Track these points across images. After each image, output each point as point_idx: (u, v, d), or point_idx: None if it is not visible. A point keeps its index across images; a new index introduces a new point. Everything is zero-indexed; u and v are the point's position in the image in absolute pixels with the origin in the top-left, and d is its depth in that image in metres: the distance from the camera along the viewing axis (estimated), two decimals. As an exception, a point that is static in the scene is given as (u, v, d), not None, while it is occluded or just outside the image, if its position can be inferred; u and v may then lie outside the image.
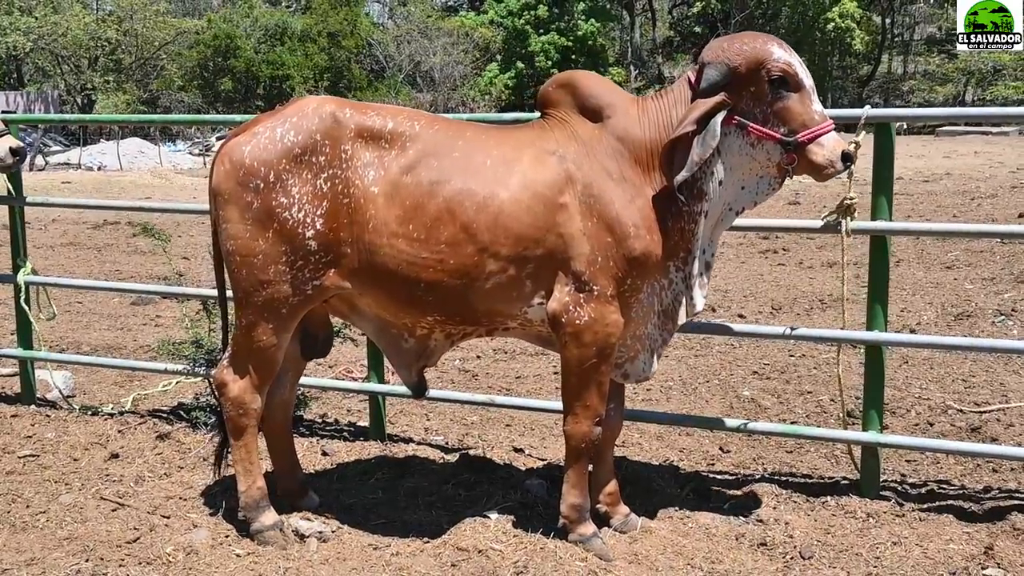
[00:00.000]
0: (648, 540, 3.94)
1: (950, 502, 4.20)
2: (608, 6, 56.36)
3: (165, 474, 4.73)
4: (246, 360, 3.84)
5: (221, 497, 4.34)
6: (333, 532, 4.04)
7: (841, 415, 4.45)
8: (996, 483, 4.45)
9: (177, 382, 6.24)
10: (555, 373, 6.60)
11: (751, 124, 3.56)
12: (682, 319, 3.85)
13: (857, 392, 5.83)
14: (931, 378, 6.08)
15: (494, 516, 4.11)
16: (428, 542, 3.93)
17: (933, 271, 9.65)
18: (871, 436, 4.19)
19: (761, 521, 4.08)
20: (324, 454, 4.92)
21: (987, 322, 7.41)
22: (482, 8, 55.52)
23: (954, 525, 3.98)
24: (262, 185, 3.62)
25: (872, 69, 54.10)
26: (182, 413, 5.47)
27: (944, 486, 4.40)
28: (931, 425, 5.26)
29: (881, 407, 4.27)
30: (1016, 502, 4.16)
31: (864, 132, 3.92)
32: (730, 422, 4.54)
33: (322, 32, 49.77)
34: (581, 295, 3.61)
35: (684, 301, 3.80)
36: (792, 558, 3.79)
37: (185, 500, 4.41)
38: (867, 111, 3.94)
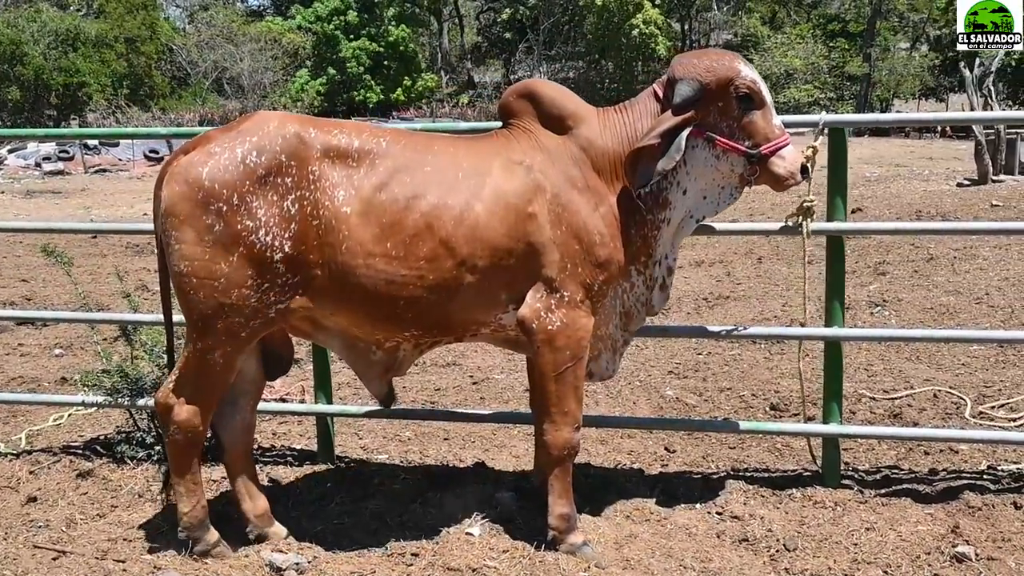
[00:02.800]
0: (635, 544, 3.97)
1: (904, 486, 4.42)
2: (418, 12, 56.27)
3: (98, 515, 4.41)
4: (195, 383, 3.70)
5: (172, 533, 4.07)
6: (309, 563, 3.86)
7: (802, 410, 4.60)
8: (934, 465, 4.71)
9: (69, 415, 5.86)
10: (474, 384, 6.55)
11: (719, 138, 3.72)
12: (642, 320, 4.00)
13: (773, 385, 6.10)
14: (836, 368, 6.37)
15: (477, 532, 4.05)
16: (413, 564, 3.83)
17: (795, 266, 10.08)
18: (835, 428, 4.36)
19: (736, 517, 4.18)
20: (271, 481, 4.70)
21: (865, 313, 7.83)
22: (289, 13, 54.39)
23: (915, 508, 4.19)
24: (225, 208, 3.48)
25: (673, 74, 55.96)
26: (99, 448, 5.11)
27: (896, 471, 4.63)
28: (854, 414, 5.51)
29: (841, 400, 4.46)
30: (964, 482, 4.42)
31: (822, 137, 4.11)
32: (701, 422, 4.68)
33: (119, 37, 47.46)
34: (552, 301, 3.68)
35: (644, 302, 3.95)
36: (777, 551, 3.90)
37: (131, 541, 4.12)
38: (824, 117, 4.13)
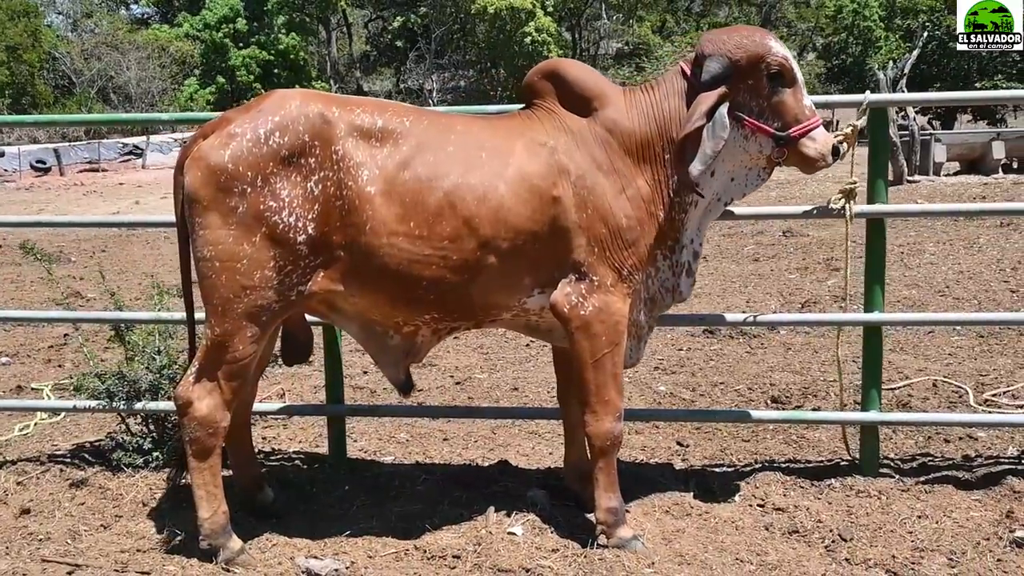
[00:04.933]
0: (684, 539, 3.83)
1: (943, 474, 4.38)
2: (307, 20, 55.33)
3: (103, 526, 4.09)
4: (217, 374, 3.57)
5: (189, 542, 3.79)
6: (348, 568, 3.65)
7: (839, 398, 4.53)
8: (957, 452, 4.70)
9: (36, 423, 5.47)
10: (457, 384, 6.35)
11: (747, 118, 3.60)
12: (667, 306, 3.90)
13: (766, 378, 6.06)
14: (824, 360, 6.37)
15: (519, 531, 3.87)
16: (457, 567, 3.64)
17: (744, 264, 10.15)
18: (875, 415, 4.30)
19: (781, 509, 4.08)
20: (285, 486, 4.41)
21: (833, 307, 7.88)
22: (176, 21, 53.03)
23: (960, 495, 4.14)
24: (248, 189, 3.39)
25: (566, 82, 56.25)
26: (87, 455, 4.74)
27: (931, 459, 4.60)
28: (857, 403, 5.47)
29: (880, 387, 4.40)
30: (1003, 468, 4.40)
31: (865, 117, 4.05)
32: (739, 412, 4.60)
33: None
34: (582, 286, 3.60)
35: (671, 288, 3.83)
36: (833, 541, 3.80)
37: (145, 552, 3.84)
38: (868, 96, 4.06)
